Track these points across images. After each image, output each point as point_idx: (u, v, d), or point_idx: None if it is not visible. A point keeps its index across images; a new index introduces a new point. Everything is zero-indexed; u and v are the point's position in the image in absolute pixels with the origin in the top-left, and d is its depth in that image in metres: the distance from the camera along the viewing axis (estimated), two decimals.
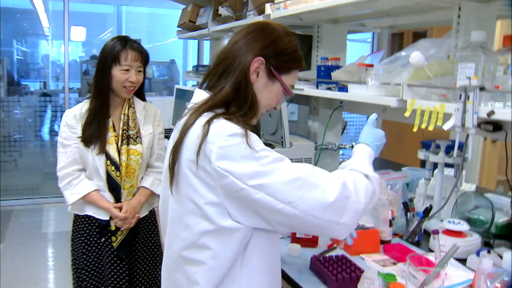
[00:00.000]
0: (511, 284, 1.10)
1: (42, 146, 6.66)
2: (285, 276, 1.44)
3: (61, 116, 6.13)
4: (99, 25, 9.17)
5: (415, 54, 1.50)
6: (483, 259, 1.27)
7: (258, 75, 1.17)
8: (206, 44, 5.06)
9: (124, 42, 1.95)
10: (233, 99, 1.14)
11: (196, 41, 5.54)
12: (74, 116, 1.99)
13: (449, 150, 1.90)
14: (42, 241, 4.30)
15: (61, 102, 6.45)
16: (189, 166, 1.10)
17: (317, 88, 2.22)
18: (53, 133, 6.78)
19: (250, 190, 1.02)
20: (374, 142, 1.32)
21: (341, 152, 2.79)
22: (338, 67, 2.17)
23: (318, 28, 2.57)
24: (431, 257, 1.44)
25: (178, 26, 3.99)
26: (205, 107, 1.13)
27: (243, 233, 1.09)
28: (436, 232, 1.40)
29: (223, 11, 3.06)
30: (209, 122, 1.08)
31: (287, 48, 1.21)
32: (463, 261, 1.54)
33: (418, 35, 5.76)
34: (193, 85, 3.72)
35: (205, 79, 1.23)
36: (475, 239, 1.62)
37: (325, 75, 2.19)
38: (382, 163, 3.92)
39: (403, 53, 1.66)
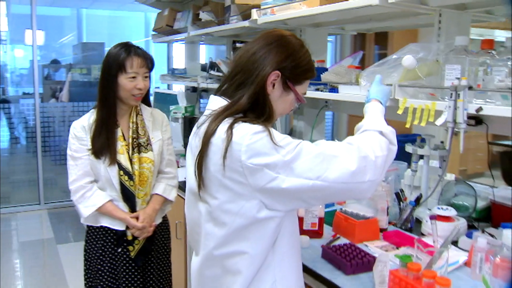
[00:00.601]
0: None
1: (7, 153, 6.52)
2: None
3: (24, 122, 5.96)
4: (58, 28, 8.99)
5: (407, 58, 1.65)
6: (479, 239, 1.44)
7: (274, 86, 1.26)
8: (176, 48, 5.10)
9: (128, 49, 1.91)
10: (250, 109, 1.23)
11: (165, 44, 5.56)
12: (83, 127, 1.95)
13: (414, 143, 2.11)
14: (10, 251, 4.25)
15: (21, 108, 6.33)
16: (218, 169, 1.18)
17: None
18: (14, 140, 6.64)
19: (283, 177, 1.12)
20: (383, 98, 1.48)
21: None
22: (325, 69, 2.31)
23: (301, 32, 2.70)
24: (426, 240, 1.60)
25: (154, 30, 4.03)
26: (225, 114, 1.22)
27: (277, 221, 1.20)
28: (433, 217, 1.56)
29: (204, 15, 3.14)
30: (231, 127, 1.17)
31: (302, 61, 1.29)
32: (453, 243, 1.71)
33: (380, 35, 6.03)
34: (178, 90, 3.76)
35: (221, 86, 1.31)
36: (463, 223, 1.80)
37: None
38: None
39: (393, 56, 1.81)
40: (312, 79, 2.12)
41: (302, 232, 1.77)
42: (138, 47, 1.96)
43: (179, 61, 5.03)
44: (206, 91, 3.59)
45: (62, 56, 8.30)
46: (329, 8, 2.01)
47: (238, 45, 2.91)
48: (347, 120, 6.73)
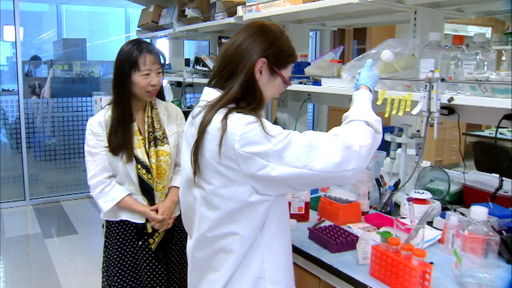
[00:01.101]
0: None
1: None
2: None
3: (5, 119, 5.92)
4: (36, 25, 8.91)
5: (386, 52, 1.78)
6: (451, 217, 1.58)
7: (261, 72, 1.34)
8: (160, 43, 5.16)
9: (140, 46, 1.92)
10: (242, 97, 1.31)
11: (148, 40, 5.62)
12: (99, 123, 1.97)
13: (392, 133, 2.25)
14: None
15: (2, 105, 6.32)
16: (213, 157, 1.26)
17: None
18: None
19: (273, 165, 1.21)
20: (373, 84, 1.55)
21: None
22: (308, 64, 2.43)
23: (284, 27, 2.82)
24: (404, 221, 1.74)
25: (139, 26, 4.10)
26: (220, 104, 1.30)
27: (266, 205, 1.30)
28: (410, 199, 1.70)
29: (190, 12, 3.23)
30: (226, 117, 1.25)
31: (285, 47, 1.38)
32: (429, 223, 1.85)
33: (358, 31, 6.20)
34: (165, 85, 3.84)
35: (212, 78, 1.40)
36: (437, 205, 1.94)
37: (296, 71, 2.44)
38: None
39: (373, 51, 1.94)
40: (296, 74, 2.26)
41: (290, 216, 1.89)
42: (149, 44, 1.98)
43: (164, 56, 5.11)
44: (191, 85, 3.68)
45: (42, 52, 8.26)
46: (311, 6, 2.14)
47: (223, 40, 3.01)
48: (327, 112, 6.90)
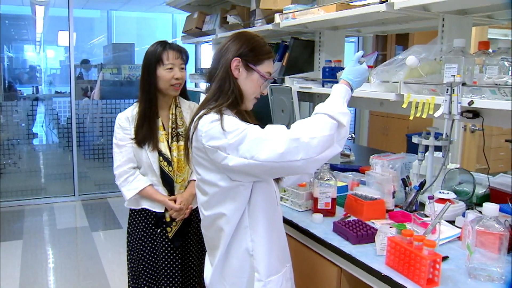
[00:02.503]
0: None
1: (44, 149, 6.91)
2: (314, 237, 1.82)
3: (59, 119, 6.27)
4: (88, 30, 9.36)
5: (410, 58, 1.88)
6: (469, 215, 1.67)
7: (239, 70, 1.52)
8: (203, 48, 5.37)
9: (164, 44, 2.12)
10: (220, 93, 1.51)
11: (193, 45, 5.84)
12: (127, 118, 2.15)
13: (436, 137, 2.30)
14: (49, 237, 4.61)
15: (54, 105, 6.71)
16: (194, 151, 1.52)
17: (323, 86, 2.59)
18: (49, 137, 7.03)
19: (231, 157, 1.38)
20: (355, 78, 1.55)
21: None
22: (341, 68, 2.54)
23: (320, 34, 2.94)
24: (426, 220, 1.82)
25: (184, 32, 4.31)
26: (202, 104, 1.54)
27: (246, 187, 1.48)
28: (431, 197, 1.78)
29: (231, 19, 3.40)
30: (199, 118, 1.47)
31: (256, 45, 1.55)
32: (451, 222, 1.92)
33: (400, 36, 6.21)
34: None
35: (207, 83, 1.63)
36: (461, 205, 2.00)
37: (329, 75, 2.56)
38: (372, 152, 4.32)
39: (400, 56, 2.03)
40: (329, 78, 2.36)
41: (317, 210, 2.02)
42: (172, 42, 2.17)
43: (206, 61, 5.32)
44: None
45: (92, 56, 8.69)
46: (342, 14, 2.26)
47: None
48: (368, 118, 6.94)
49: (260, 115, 1.75)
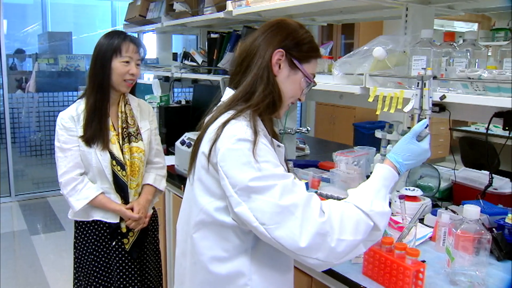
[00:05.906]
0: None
1: None
2: None
3: None
4: (20, 17, 8.77)
5: (378, 49, 1.78)
6: (442, 215, 1.59)
7: (280, 66, 1.22)
8: (147, 37, 5.11)
9: (123, 35, 1.93)
10: (255, 90, 1.19)
11: (135, 34, 5.55)
12: (71, 117, 1.91)
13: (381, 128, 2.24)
14: None
15: None
16: (200, 158, 1.20)
17: None
18: None
19: (235, 199, 1.09)
20: (406, 161, 1.23)
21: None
22: None
23: None
24: (395, 218, 1.73)
25: (126, 20, 4.05)
26: (228, 103, 1.21)
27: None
28: (402, 197, 1.69)
29: (178, 6, 3.19)
30: (225, 123, 1.15)
31: (304, 39, 1.25)
32: (420, 220, 1.85)
33: (346, 26, 6.21)
34: (153, 80, 3.80)
35: (232, 78, 1.29)
36: (428, 202, 1.95)
37: None
38: (322, 143, 4.27)
39: (364, 47, 1.93)
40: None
41: None
42: (131, 35, 1.98)
43: (150, 51, 5.05)
44: (179, 80, 3.64)
45: (26, 45, 8.13)
46: (302, 1, 2.12)
47: (212, 35, 2.98)
48: (314, 107, 6.94)
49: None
